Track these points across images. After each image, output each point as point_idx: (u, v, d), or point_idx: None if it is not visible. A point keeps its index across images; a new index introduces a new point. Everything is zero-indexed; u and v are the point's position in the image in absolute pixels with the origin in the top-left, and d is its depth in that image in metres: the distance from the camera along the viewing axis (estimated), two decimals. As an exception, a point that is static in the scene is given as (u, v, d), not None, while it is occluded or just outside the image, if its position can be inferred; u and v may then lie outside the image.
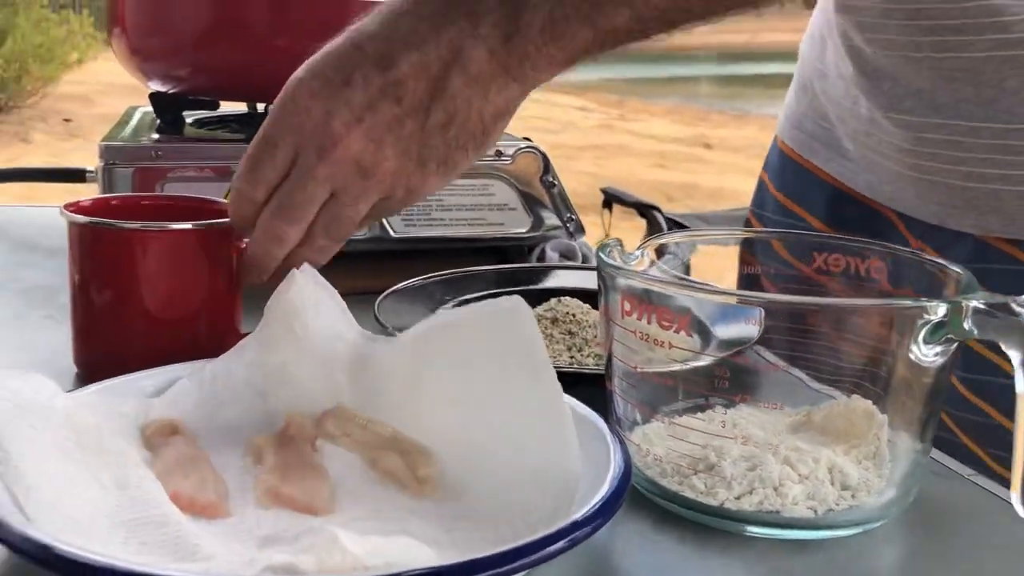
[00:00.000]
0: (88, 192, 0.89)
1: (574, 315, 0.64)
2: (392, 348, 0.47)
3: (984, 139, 0.63)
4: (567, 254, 0.80)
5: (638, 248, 0.48)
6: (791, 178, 0.80)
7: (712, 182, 6.51)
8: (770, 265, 0.50)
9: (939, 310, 0.37)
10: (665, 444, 0.43)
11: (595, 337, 0.62)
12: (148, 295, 0.53)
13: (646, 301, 0.39)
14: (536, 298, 0.69)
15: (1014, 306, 0.35)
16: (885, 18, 0.66)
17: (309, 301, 0.49)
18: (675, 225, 1.76)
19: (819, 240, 0.49)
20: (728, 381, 0.42)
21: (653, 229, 1.76)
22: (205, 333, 0.54)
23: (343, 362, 0.49)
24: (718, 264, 0.52)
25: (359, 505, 0.40)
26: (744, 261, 0.50)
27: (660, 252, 0.50)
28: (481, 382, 0.42)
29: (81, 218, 0.53)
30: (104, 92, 10.03)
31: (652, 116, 10.36)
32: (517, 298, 0.41)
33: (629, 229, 2.64)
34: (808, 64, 0.79)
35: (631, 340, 0.41)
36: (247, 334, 0.50)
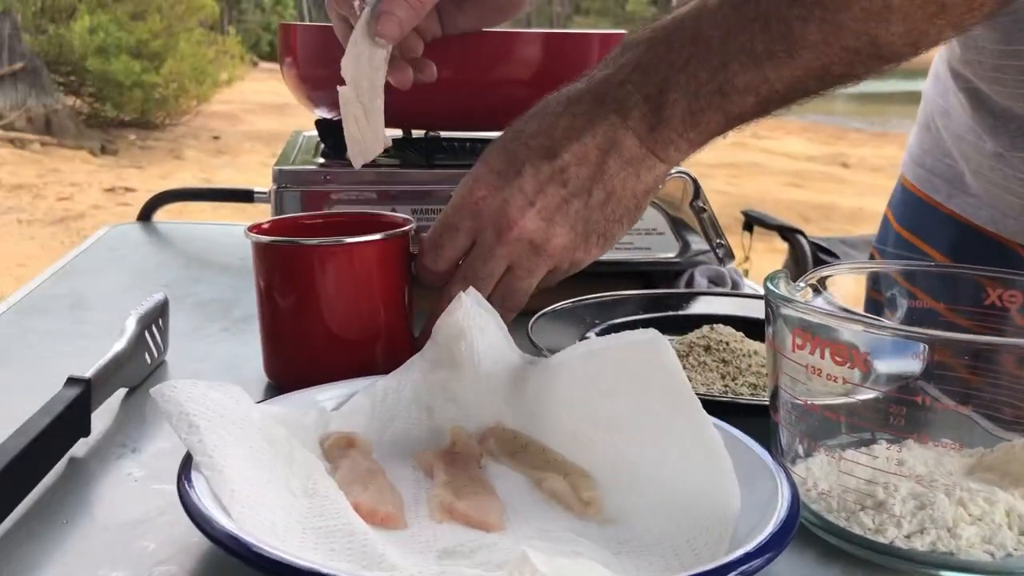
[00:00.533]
0: (257, 212, 0.95)
1: (728, 343, 0.64)
2: (547, 372, 0.49)
3: None
4: (716, 280, 0.80)
5: (802, 279, 0.48)
6: (914, 214, 0.83)
7: (851, 202, 6.30)
8: (917, 298, 0.49)
9: None
10: (830, 478, 0.43)
11: (749, 367, 0.62)
12: (330, 307, 0.56)
13: (819, 335, 0.39)
14: (687, 325, 0.70)
15: None
16: (1000, 72, 0.68)
17: (474, 324, 0.51)
18: (819, 250, 1.72)
19: (988, 274, 0.48)
20: (897, 417, 0.41)
21: (795, 254, 1.72)
22: (384, 342, 0.58)
23: (504, 383, 0.50)
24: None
25: (527, 524, 0.42)
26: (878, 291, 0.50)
27: (822, 284, 0.49)
28: (628, 410, 0.44)
29: (264, 238, 0.57)
30: (250, 111, 10.54)
31: (787, 134, 10.11)
32: (653, 331, 0.43)
33: (767, 251, 2.59)
34: (931, 103, 0.81)
35: (800, 373, 0.41)
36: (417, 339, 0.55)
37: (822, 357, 0.39)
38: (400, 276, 0.59)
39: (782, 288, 0.43)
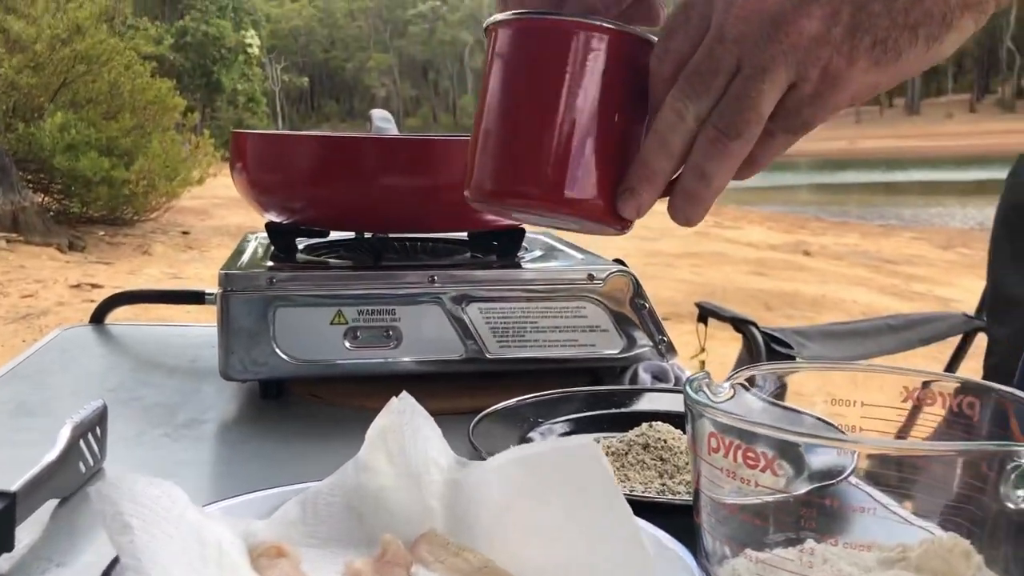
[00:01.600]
0: (211, 312, 0.95)
1: (665, 441, 0.64)
2: (481, 477, 0.49)
3: None
4: (659, 376, 0.81)
5: (727, 380, 0.49)
6: None
7: (813, 290, 6.40)
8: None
9: (1027, 454, 0.37)
10: (755, 579, 0.43)
11: (687, 464, 0.63)
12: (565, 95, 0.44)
13: (733, 438, 0.40)
14: (628, 422, 0.70)
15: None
16: None
17: (407, 428, 0.51)
18: (772, 340, 1.74)
19: (910, 373, 0.49)
20: (818, 517, 0.42)
21: (749, 344, 1.75)
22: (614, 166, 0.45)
23: (437, 488, 0.51)
24: (819, 386, 0.53)
25: (452, 633, 0.42)
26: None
27: (752, 381, 0.51)
28: (560, 516, 0.44)
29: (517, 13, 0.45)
30: (220, 205, 10.60)
31: (750, 223, 10.32)
32: (588, 438, 0.44)
33: (727, 339, 2.62)
34: None
35: (718, 476, 0.41)
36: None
37: (735, 460, 0.40)
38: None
39: (699, 391, 0.44)
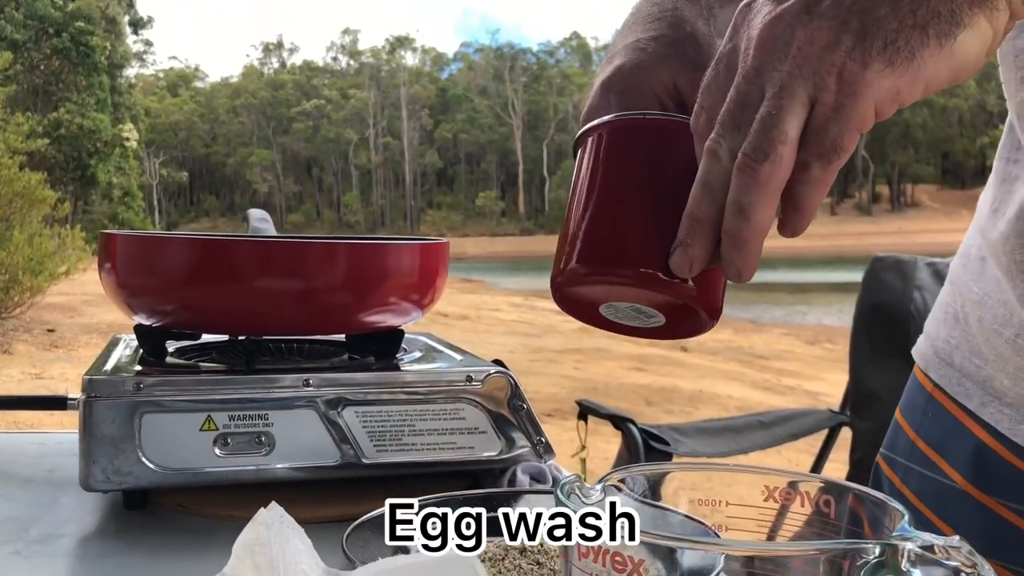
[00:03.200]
0: (74, 418, 0.91)
1: (542, 544, 0.64)
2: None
3: None
4: (537, 476, 0.82)
5: (598, 482, 0.50)
6: (933, 422, 0.70)
7: (691, 385, 6.57)
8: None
9: (875, 550, 0.39)
10: None
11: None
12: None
13: (600, 545, 0.41)
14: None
15: (938, 547, 0.37)
16: None
17: (275, 540, 0.50)
18: (650, 437, 1.78)
19: (772, 473, 0.51)
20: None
21: (627, 441, 1.78)
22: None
23: (309, 601, 0.49)
24: (692, 484, 0.54)
25: None
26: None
27: (626, 482, 0.51)
28: None
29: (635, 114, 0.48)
30: (89, 302, 10.19)
31: (630, 320, 10.56)
32: (472, 556, 0.43)
33: (609, 435, 2.66)
34: (961, 287, 0.68)
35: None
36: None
37: (604, 564, 0.40)
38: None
39: (570, 495, 0.44)
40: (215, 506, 0.75)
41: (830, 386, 6.80)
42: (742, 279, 0.43)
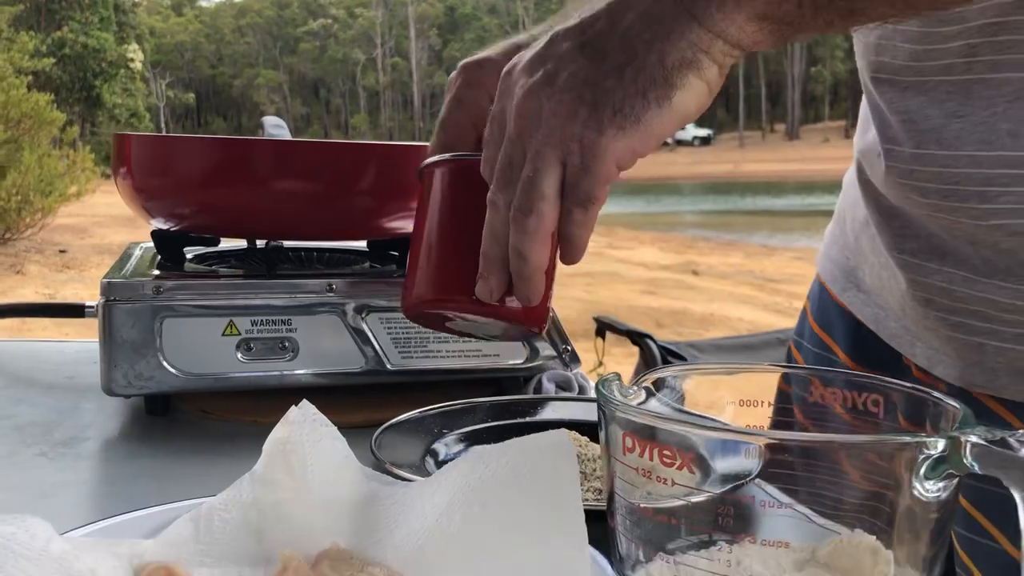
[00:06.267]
0: (86, 327, 0.90)
1: (580, 445, 0.63)
2: (395, 489, 0.47)
3: (977, 291, 0.62)
4: (563, 385, 0.81)
5: (634, 383, 0.49)
6: (822, 307, 0.81)
7: (702, 308, 6.57)
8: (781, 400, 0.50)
9: (938, 445, 0.37)
10: (669, 583, 0.43)
11: (594, 471, 0.62)
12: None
13: (648, 437, 0.39)
14: (535, 431, 0.69)
15: (1012, 441, 0.35)
16: (887, 172, 0.66)
17: (307, 439, 0.49)
18: (668, 353, 1.77)
19: (817, 374, 0.50)
20: (731, 518, 0.41)
21: (646, 357, 1.77)
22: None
23: (341, 501, 0.48)
24: (715, 394, 0.53)
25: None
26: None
27: (657, 385, 0.50)
28: (500, 521, 0.42)
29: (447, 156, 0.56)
30: (99, 223, 10.19)
31: (641, 244, 10.53)
32: (561, 433, 0.41)
33: (621, 356, 2.65)
34: (845, 194, 0.79)
35: (633, 476, 0.41)
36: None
37: (651, 459, 0.39)
38: None
39: (612, 391, 0.43)
40: (239, 412, 0.75)
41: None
42: (531, 303, 0.51)
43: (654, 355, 1.71)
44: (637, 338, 1.73)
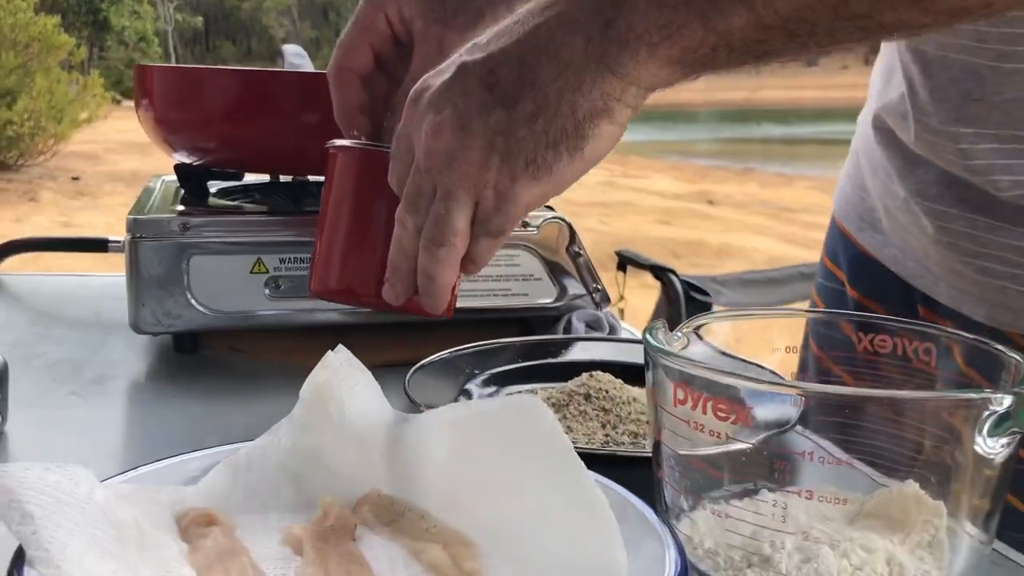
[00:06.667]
0: (116, 260, 0.89)
1: (607, 391, 0.63)
2: (425, 431, 0.47)
3: (1000, 237, 0.64)
4: (593, 324, 0.80)
5: (680, 329, 0.47)
6: (835, 246, 0.82)
7: (717, 239, 6.53)
8: (818, 346, 0.49)
9: (1004, 401, 0.36)
10: (715, 534, 0.42)
11: (629, 414, 0.61)
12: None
13: (700, 389, 0.38)
14: (566, 372, 0.68)
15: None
16: (916, 135, 0.67)
17: (344, 383, 0.48)
18: (690, 288, 1.75)
19: (864, 320, 0.48)
20: (779, 471, 0.41)
21: (668, 291, 1.76)
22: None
23: (379, 446, 0.48)
24: (760, 338, 0.52)
25: (405, 601, 0.39)
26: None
27: (700, 331, 0.49)
28: (509, 473, 0.42)
29: (348, 142, 0.56)
30: (112, 150, 10.15)
31: (656, 172, 10.43)
32: (531, 397, 0.41)
33: (640, 287, 2.64)
34: (859, 131, 0.79)
35: (683, 428, 0.40)
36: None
37: (704, 412, 0.38)
38: None
39: (661, 339, 0.42)
40: (268, 350, 0.74)
41: (857, 240, 6.75)
42: (436, 313, 0.53)
43: (676, 290, 1.70)
44: (660, 272, 1.72)
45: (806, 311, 0.51)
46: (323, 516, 0.45)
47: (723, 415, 0.37)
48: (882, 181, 0.73)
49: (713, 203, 8.29)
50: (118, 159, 9.61)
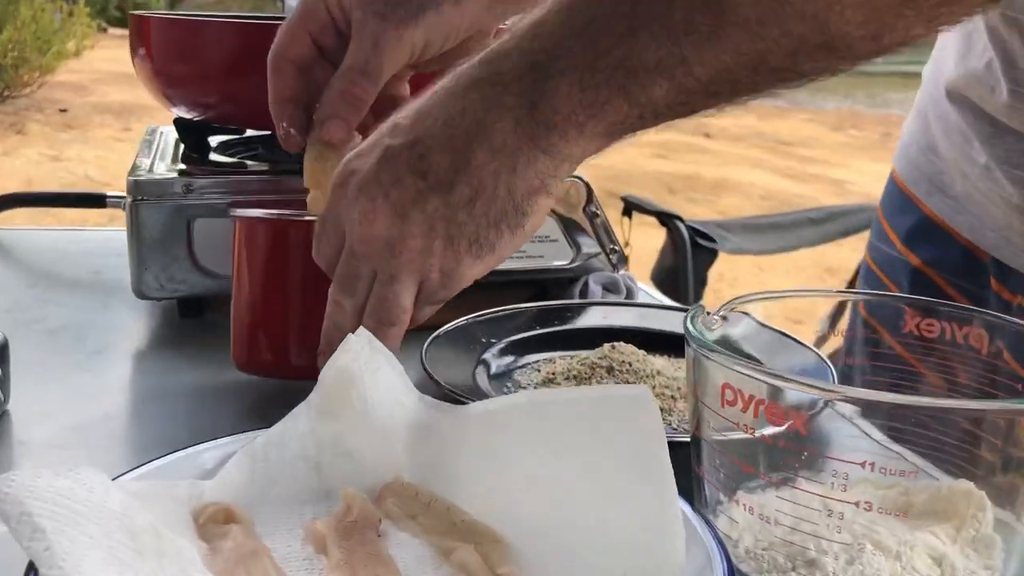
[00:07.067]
0: (113, 215, 0.86)
1: (631, 364, 0.61)
2: (460, 419, 0.45)
3: None
4: (610, 287, 0.77)
5: (719, 311, 0.45)
6: (895, 207, 0.79)
7: (714, 173, 6.47)
8: (857, 329, 0.47)
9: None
10: (754, 531, 0.40)
11: (654, 388, 0.60)
12: (310, 282, 0.54)
13: (755, 394, 0.36)
14: (586, 339, 0.67)
15: None
16: (1012, 106, 0.65)
17: (366, 367, 0.46)
18: (696, 234, 1.73)
19: (908, 302, 0.46)
20: (821, 457, 0.39)
21: (674, 238, 1.73)
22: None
23: (402, 432, 0.46)
24: (797, 316, 0.49)
25: (437, 607, 0.37)
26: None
27: (738, 311, 0.47)
28: (575, 470, 0.39)
29: (255, 213, 0.56)
30: (99, 81, 9.94)
31: (652, 105, 10.26)
32: (643, 388, 0.37)
33: (638, 225, 2.61)
34: (927, 90, 0.76)
35: (731, 430, 0.38)
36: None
37: (756, 416, 0.36)
38: None
39: (701, 326, 0.39)
40: (276, 315, 0.72)
41: (855, 173, 6.67)
42: None
43: (683, 236, 1.67)
44: (666, 219, 1.69)
45: (851, 292, 0.49)
46: (346, 510, 0.43)
47: (778, 421, 0.35)
48: (958, 146, 0.70)
49: (710, 136, 8.20)
50: (107, 90, 9.42)
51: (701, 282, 1.69)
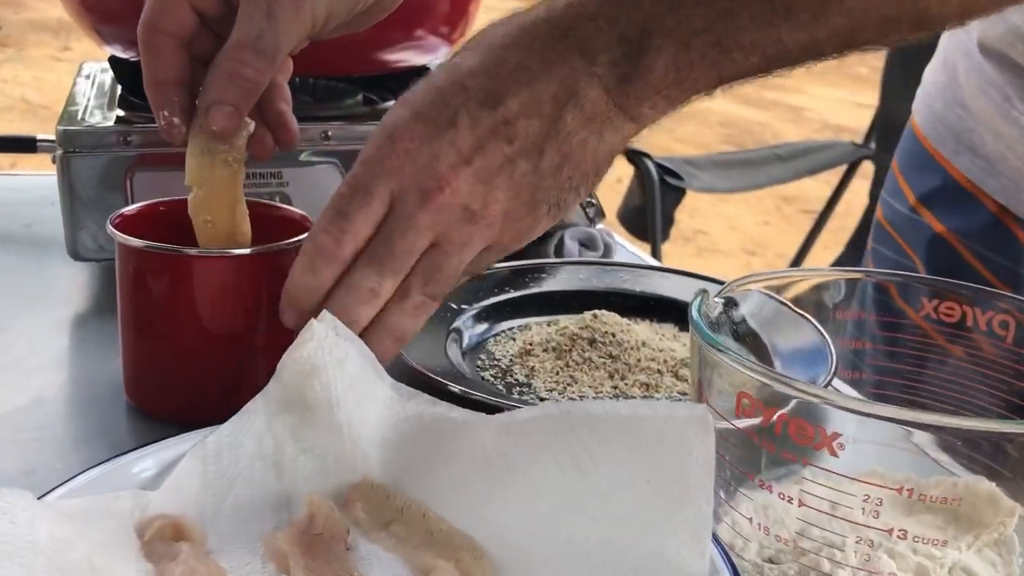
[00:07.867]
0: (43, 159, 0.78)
1: (614, 335, 0.57)
2: (441, 414, 0.40)
3: None
4: (587, 243, 0.73)
5: (720, 294, 0.41)
6: (915, 164, 0.74)
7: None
8: (869, 310, 0.43)
9: None
10: (758, 539, 0.37)
11: (638, 361, 0.56)
12: (205, 320, 0.48)
13: (777, 406, 0.32)
14: (564, 303, 0.62)
15: None
16: None
17: (331, 357, 0.41)
18: (664, 171, 1.68)
19: (928, 284, 0.43)
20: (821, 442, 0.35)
21: (641, 175, 1.68)
22: (263, 360, 0.47)
23: (371, 426, 0.42)
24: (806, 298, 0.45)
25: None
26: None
27: (740, 295, 0.43)
28: (600, 488, 0.35)
29: (137, 242, 0.48)
30: (36, -5, 9.49)
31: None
32: (703, 409, 0.33)
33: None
34: (956, 38, 0.71)
35: (746, 443, 0.34)
36: None
37: (778, 431, 0.32)
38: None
39: (707, 316, 0.35)
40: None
41: (812, 99, 6.62)
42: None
43: (651, 175, 1.62)
44: (633, 156, 1.64)
45: (862, 271, 0.45)
46: (310, 519, 0.39)
47: (805, 439, 0.31)
48: (995, 103, 0.66)
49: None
50: (43, 5, 8.99)
51: (668, 220, 1.65)
